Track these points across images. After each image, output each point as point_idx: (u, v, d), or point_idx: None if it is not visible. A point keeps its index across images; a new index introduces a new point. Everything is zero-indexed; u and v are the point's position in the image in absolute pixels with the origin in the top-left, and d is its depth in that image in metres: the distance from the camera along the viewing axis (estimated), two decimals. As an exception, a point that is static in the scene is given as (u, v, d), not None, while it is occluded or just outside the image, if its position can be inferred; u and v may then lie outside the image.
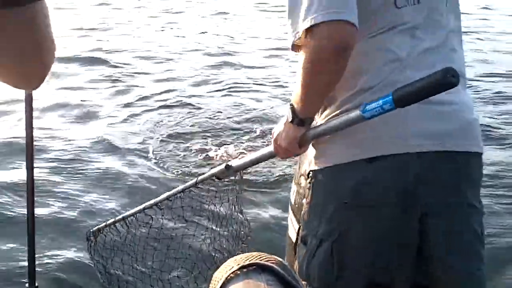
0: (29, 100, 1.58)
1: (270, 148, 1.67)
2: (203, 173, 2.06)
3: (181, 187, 2.15)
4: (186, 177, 3.78)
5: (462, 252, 1.47)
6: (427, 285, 1.62)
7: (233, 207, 2.23)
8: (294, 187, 1.98)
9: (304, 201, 1.59)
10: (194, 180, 2.09)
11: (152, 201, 2.20)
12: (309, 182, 1.55)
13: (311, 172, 1.54)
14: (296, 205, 1.88)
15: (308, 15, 1.27)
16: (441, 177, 1.41)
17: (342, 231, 1.44)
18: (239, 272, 0.92)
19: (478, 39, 9.09)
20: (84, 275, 2.74)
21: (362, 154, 1.39)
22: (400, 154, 1.37)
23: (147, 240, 2.47)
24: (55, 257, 2.87)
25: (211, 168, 2.45)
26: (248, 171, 3.20)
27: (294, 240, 1.79)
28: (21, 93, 1.57)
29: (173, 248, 2.56)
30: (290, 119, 1.46)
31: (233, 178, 2.15)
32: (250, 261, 0.94)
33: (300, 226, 1.69)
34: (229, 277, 0.91)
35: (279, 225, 3.05)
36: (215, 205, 2.31)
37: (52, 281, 2.66)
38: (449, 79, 1.16)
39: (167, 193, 2.17)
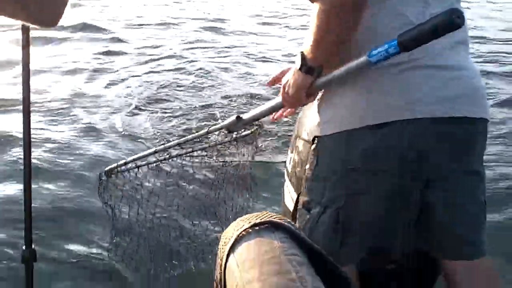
0: (26, 59, 1.52)
1: (280, 98, 1.62)
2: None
3: (192, 135, 2.16)
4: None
5: (466, 220, 1.47)
6: (427, 251, 1.62)
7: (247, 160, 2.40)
8: (290, 155, 1.96)
9: (307, 167, 1.56)
10: (206, 129, 2.08)
11: (162, 146, 2.22)
12: (314, 149, 1.52)
13: (316, 138, 1.52)
14: (294, 173, 1.86)
15: None
16: (449, 143, 1.40)
17: (349, 197, 1.43)
18: (250, 230, 0.89)
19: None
20: (82, 240, 2.74)
21: (372, 120, 1.37)
22: (409, 120, 1.35)
23: (158, 188, 2.53)
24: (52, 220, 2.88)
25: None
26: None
27: (291, 208, 1.77)
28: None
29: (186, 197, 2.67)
30: (298, 67, 1.44)
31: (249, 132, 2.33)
32: (261, 219, 0.91)
33: (299, 194, 1.67)
34: (240, 235, 0.88)
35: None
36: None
37: (49, 245, 2.65)
38: (454, 19, 1.14)
39: (178, 140, 2.20)
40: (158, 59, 6.32)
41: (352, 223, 1.44)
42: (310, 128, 1.71)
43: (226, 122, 2.01)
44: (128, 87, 5.32)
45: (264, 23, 8.83)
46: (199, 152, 2.43)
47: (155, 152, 2.22)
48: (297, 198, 1.72)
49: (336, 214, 1.44)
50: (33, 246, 1.68)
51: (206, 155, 2.51)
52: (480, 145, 1.47)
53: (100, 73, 5.79)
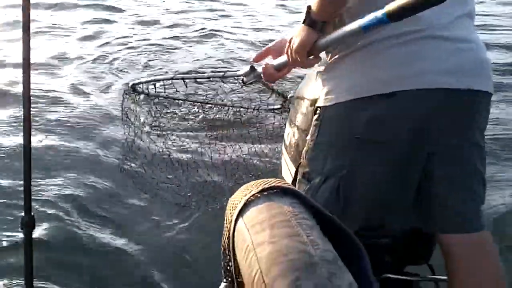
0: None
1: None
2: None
3: (209, 74, 2.25)
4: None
5: (465, 193, 1.48)
6: (420, 229, 1.63)
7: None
8: (288, 129, 1.96)
9: (308, 138, 1.56)
10: (222, 73, 2.15)
11: (180, 76, 2.31)
12: (317, 119, 1.52)
13: (319, 109, 1.52)
14: (292, 146, 1.86)
15: None
16: (453, 114, 1.40)
17: (351, 167, 1.43)
18: (259, 195, 0.89)
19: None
20: (79, 206, 2.79)
21: (380, 89, 1.37)
22: (417, 90, 1.35)
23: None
24: (52, 188, 2.90)
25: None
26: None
27: (289, 181, 1.77)
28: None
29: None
30: (302, 20, 1.45)
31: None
32: (269, 185, 0.91)
33: (298, 165, 1.67)
34: (249, 199, 0.88)
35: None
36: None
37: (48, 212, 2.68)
38: None
39: (196, 75, 2.30)
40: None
41: (353, 193, 1.45)
42: (310, 100, 1.71)
43: (241, 71, 2.02)
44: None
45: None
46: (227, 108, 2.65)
47: (172, 78, 2.32)
48: (296, 170, 1.72)
49: (338, 183, 1.45)
50: (32, 212, 1.67)
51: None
52: (482, 119, 1.48)
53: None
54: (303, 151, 1.58)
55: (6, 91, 4.22)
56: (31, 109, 1.62)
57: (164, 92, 2.56)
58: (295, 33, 1.49)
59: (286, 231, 0.78)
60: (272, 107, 2.81)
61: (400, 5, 1.19)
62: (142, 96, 2.63)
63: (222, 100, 2.84)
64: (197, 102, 2.87)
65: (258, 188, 0.90)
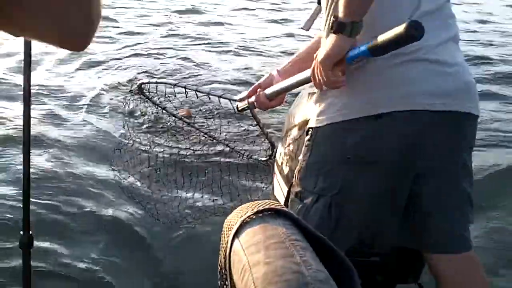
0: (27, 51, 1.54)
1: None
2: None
3: (207, 92, 2.41)
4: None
5: (452, 213, 1.53)
6: (412, 246, 1.67)
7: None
8: (280, 149, 2.00)
9: (300, 158, 1.61)
10: (222, 93, 2.33)
11: (184, 84, 2.49)
12: (308, 140, 1.56)
13: (310, 130, 1.56)
14: (285, 167, 1.90)
15: None
16: (442, 136, 1.45)
17: (343, 186, 1.48)
18: (254, 216, 0.92)
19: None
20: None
21: (368, 111, 1.42)
22: (406, 111, 1.40)
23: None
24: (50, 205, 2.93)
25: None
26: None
27: (282, 201, 1.81)
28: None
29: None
30: (331, 28, 1.36)
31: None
32: (264, 207, 0.94)
33: (291, 185, 1.71)
34: (245, 221, 0.92)
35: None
36: None
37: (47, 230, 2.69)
38: (411, 32, 1.21)
39: (197, 87, 2.45)
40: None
41: (344, 212, 1.50)
42: (302, 121, 1.75)
43: (237, 96, 2.13)
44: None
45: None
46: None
47: (176, 84, 2.47)
48: (288, 190, 1.76)
49: (330, 202, 1.49)
50: (30, 231, 1.69)
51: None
52: (470, 140, 1.53)
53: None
54: (296, 171, 1.63)
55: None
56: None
57: (165, 97, 2.75)
58: (325, 47, 1.41)
59: (281, 252, 0.81)
60: (259, 158, 2.91)
61: (381, 42, 1.28)
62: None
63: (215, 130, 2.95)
64: (193, 127, 2.95)
65: (253, 210, 0.93)
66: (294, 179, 1.64)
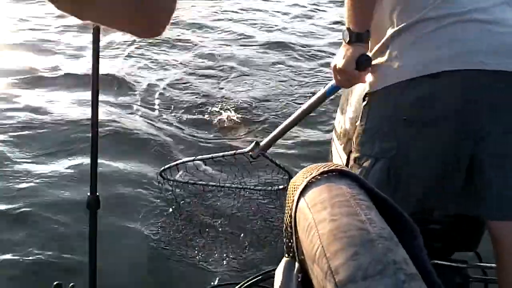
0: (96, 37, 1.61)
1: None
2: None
3: (222, 154, 2.78)
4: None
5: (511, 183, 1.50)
6: (468, 216, 1.66)
7: None
8: (339, 117, 2.01)
9: (357, 123, 1.62)
10: (233, 151, 2.72)
11: (200, 157, 2.86)
12: (365, 105, 1.58)
13: (367, 95, 1.57)
14: (343, 134, 1.92)
15: None
16: (501, 97, 1.43)
17: (400, 148, 1.48)
18: (319, 177, 0.96)
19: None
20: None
21: (426, 70, 1.42)
22: (464, 70, 1.39)
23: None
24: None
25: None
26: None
27: None
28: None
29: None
30: (347, 40, 1.53)
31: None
32: (329, 168, 0.98)
33: (350, 152, 1.73)
34: (310, 181, 0.95)
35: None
36: None
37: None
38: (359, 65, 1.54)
39: (212, 155, 2.81)
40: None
41: (403, 174, 1.50)
42: (361, 90, 1.76)
43: (248, 148, 2.52)
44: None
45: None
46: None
47: (193, 160, 2.83)
48: (348, 158, 1.78)
49: (388, 165, 1.50)
50: (97, 193, 1.79)
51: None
52: None
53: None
54: (354, 137, 1.64)
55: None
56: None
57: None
58: (338, 58, 1.59)
59: (346, 210, 0.85)
60: (276, 187, 3.11)
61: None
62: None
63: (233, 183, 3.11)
64: (214, 186, 3.10)
65: (318, 171, 0.97)
66: (352, 145, 1.66)
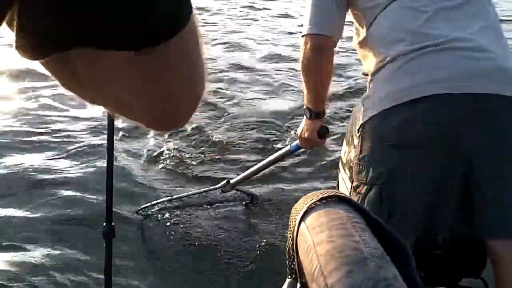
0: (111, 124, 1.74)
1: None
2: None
3: (196, 191, 3.15)
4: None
5: (507, 195, 1.54)
6: (472, 236, 1.71)
7: None
8: (345, 147, 2.09)
9: (354, 154, 1.70)
10: (206, 188, 3.12)
11: (176, 196, 3.10)
12: (359, 136, 1.66)
13: (360, 127, 1.66)
14: (348, 163, 1.99)
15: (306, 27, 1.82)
16: (480, 118, 1.50)
17: (389, 173, 1.55)
18: (319, 202, 1.03)
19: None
20: None
21: (405, 97, 1.51)
22: (439, 95, 1.48)
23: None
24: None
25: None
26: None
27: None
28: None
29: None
30: (308, 116, 2.04)
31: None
32: (328, 194, 1.05)
33: (353, 181, 1.80)
34: (310, 206, 1.03)
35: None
36: None
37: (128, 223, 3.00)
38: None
39: (187, 193, 3.14)
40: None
41: (395, 198, 1.56)
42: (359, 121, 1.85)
43: (219, 185, 2.94)
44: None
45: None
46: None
47: (170, 199, 3.11)
48: (351, 186, 1.85)
49: (380, 191, 1.56)
50: (112, 223, 1.87)
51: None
52: None
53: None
54: (353, 167, 1.72)
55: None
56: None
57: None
58: (302, 127, 2.12)
59: (342, 232, 0.92)
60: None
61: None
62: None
63: None
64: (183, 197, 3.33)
65: (318, 197, 1.05)
66: (353, 174, 1.74)
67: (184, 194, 3.10)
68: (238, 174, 3.17)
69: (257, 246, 2.91)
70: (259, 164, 2.80)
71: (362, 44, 1.75)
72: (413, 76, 1.51)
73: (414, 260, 0.97)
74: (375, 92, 1.59)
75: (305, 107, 2.01)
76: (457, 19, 1.56)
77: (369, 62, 1.71)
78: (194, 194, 3.11)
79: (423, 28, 1.55)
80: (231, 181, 2.94)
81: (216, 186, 3.02)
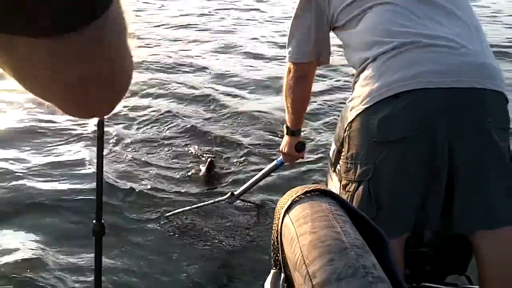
0: (101, 126, 1.74)
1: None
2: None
3: (203, 203, 3.29)
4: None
5: (489, 185, 1.57)
6: (457, 239, 1.73)
7: None
8: (333, 147, 2.12)
9: (342, 153, 1.73)
10: (212, 200, 3.24)
11: (181, 209, 3.26)
12: (346, 136, 1.69)
13: (347, 126, 1.69)
14: (336, 163, 2.02)
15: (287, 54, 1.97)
16: (460, 112, 1.53)
17: (375, 169, 1.58)
18: (303, 196, 1.07)
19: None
20: None
21: (385, 93, 1.55)
22: (419, 89, 1.52)
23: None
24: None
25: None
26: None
27: None
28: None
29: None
30: (286, 133, 2.34)
31: None
32: (312, 188, 1.09)
33: (341, 180, 1.83)
34: (295, 199, 1.06)
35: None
36: None
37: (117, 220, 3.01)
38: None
39: (191, 206, 3.28)
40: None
41: (382, 194, 1.58)
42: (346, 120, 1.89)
43: (225, 196, 3.13)
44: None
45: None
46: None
47: (183, 211, 3.27)
48: (340, 185, 1.88)
49: (367, 186, 1.59)
50: (102, 220, 1.88)
51: None
52: (496, 117, 1.56)
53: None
54: (341, 166, 1.75)
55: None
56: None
57: None
58: (283, 144, 2.40)
59: (324, 224, 0.95)
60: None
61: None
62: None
63: None
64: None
65: (303, 191, 1.08)
66: (341, 174, 1.77)
67: (195, 206, 3.28)
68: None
69: (254, 244, 2.98)
70: (255, 177, 3.08)
71: (346, 51, 1.82)
72: (393, 72, 1.55)
73: (393, 252, 1.01)
74: (359, 91, 1.63)
75: (284, 125, 2.32)
76: (436, 18, 1.62)
77: (353, 64, 1.76)
78: (203, 205, 3.29)
79: (403, 27, 1.59)
80: (235, 193, 3.13)
81: (222, 198, 3.19)
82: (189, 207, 3.27)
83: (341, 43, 1.87)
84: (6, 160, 3.73)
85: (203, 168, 3.77)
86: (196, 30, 8.90)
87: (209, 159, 3.82)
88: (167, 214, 3.26)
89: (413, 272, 1.91)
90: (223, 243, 3.03)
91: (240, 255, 2.93)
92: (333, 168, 2.06)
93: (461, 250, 1.86)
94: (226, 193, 3.17)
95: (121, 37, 0.46)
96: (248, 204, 3.50)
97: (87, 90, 0.47)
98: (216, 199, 3.23)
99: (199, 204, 3.31)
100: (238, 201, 3.27)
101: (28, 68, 0.42)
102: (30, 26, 0.36)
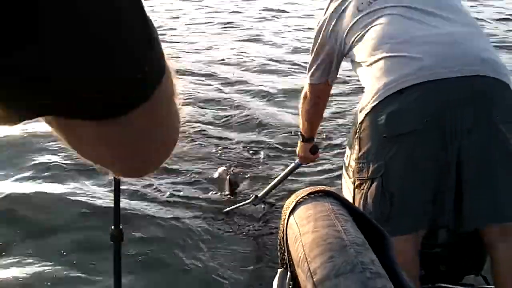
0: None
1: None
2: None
3: (235, 206, 3.32)
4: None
5: (497, 179, 1.58)
6: (472, 240, 1.74)
7: None
8: (348, 151, 2.15)
9: (353, 155, 1.76)
10: (238, 204, 3.32)
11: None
12: (357, 137, 1.72)
13: (358, 128, 1.72)
14: (350, 166, 2.05)
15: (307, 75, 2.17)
16: (465, 101, 1.55)
17: (387, 164, 1.59)
18: (307, 197, 1.11)
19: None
20: None
21: (390, 90, 1.57)
22: (424, 82, 1.54)
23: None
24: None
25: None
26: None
27: (350, 199, 1.95)
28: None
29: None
30: (301, 140, 2.58)
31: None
32: (316, 189, 1.12)
33: (354, 182, 1.85)
34: (299, 200, 1.10)
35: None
36: None
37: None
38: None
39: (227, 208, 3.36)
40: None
41: (394, 189, 1.59)
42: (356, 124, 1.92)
43: (249, 200, 3.23)
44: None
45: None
46: None
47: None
48: (354, 187, 1.91)
49: (381, 183, 1.60)
50: (120, 226, 1.92)
51: None
52: (503, 109, 1.57)
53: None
54: (353, 167, 1.77)
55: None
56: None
57: None
58: (299, 148, 2.66)
59: (326, 223, 0.99)
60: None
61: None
62: None
63: None
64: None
65: (306, 192, 1.12)
66: (353, 176, 1.79)
67: (225, 210, 3.36)
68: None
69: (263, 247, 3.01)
70: (276, 179, 3.20)
71: (355, 62, 1.88)
72: (400, 68, 1.58)
73: (393, 248, 1.03)
74: (367, 93, 1.67)
75: (299, 132, 2.55)
76: (436, 19, 1.68)
77: (361, 66, 1.80)
78: (229, 210, 3.35)
79: (405, 30, 1.66)
80: (259, 195, 3.24)
81: (247, 201, 3.28)
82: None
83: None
84: (21, 164, 3.76)
85: (225, 187, 3.68)
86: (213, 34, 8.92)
87: (228, 177, 3.73)
88: (233, 206, 3.35)
89: (428, 272, 1.91)
90: (248, 246, 3.06)
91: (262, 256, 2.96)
92: (347, 172, 2.09)
93: (475, 249, 1.86)
94: (250, 196, 3.26)
95: (170, 103, 0.46)
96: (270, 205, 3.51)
97: (138, 160, 0.48)
98: (241, 203, 3.29)
99: (227, 209, 3.36)
100: (261, 204, 3.34)
101: (84, 145, 0.45)
102: (86, 115, 0.37)
